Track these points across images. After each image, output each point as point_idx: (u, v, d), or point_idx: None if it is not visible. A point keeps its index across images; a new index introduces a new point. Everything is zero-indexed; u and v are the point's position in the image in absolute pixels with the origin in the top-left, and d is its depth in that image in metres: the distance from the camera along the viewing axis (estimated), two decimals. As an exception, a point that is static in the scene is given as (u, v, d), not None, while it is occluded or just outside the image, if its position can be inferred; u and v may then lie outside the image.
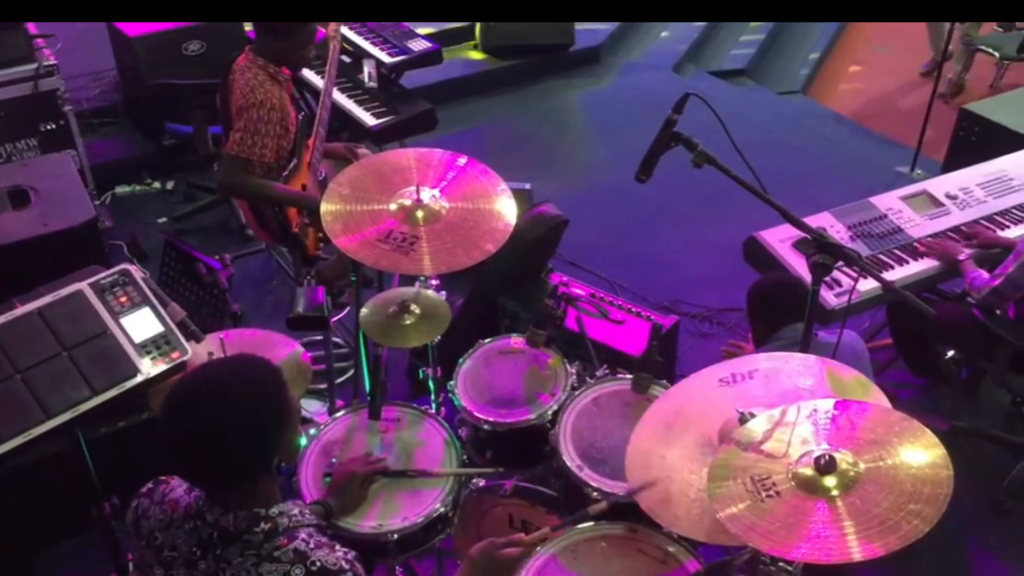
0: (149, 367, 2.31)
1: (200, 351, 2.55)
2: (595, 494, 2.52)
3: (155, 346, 2.34)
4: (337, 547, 1.76)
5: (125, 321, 2.35)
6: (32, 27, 4.98)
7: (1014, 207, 4.02)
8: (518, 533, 2.13)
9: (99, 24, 5.73)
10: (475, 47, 7.15)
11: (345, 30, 5.18)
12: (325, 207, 2.74)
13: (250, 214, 3.91)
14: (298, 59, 3.74)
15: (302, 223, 3.68)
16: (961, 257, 3.69)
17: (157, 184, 5.64)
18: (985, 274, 3.56)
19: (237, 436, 1.72)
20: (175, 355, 2.35)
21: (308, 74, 5.17)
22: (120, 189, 5.58)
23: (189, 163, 5.54)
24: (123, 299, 2.38)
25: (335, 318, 4.04)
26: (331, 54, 3.98)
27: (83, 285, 2.37)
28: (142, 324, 2.36)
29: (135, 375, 2.29)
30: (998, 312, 3.60)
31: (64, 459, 2.52)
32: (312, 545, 1.74)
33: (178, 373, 2.36)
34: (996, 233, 3.86)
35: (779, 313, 3.18)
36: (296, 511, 1.80)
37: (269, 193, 3.63)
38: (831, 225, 3.78)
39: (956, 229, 3.88)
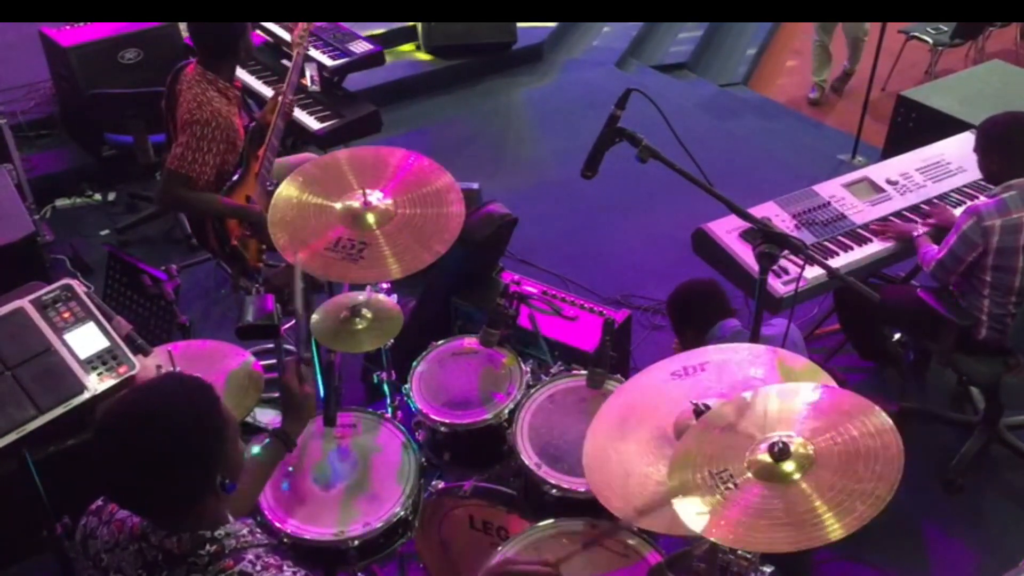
0: (96, 383, 2.27)
1: (148, 364, 2.50)
2: (554, 491, 2.53)
3: (101, 361, 2.30)
4: (285, 568, 1.72)
5: (69, 337, 2.30)
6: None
7: (952, 191, 4.10)
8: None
9: (31, 34, 5.60)
10: (417, 48, 7.12)
11: (285, 34, 5.12)
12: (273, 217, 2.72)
13: (193, 224, 3.85)
14: (245, 56, 3.71)
15: (242, 235, 3.63)
16: (916, 233, 3.76)
17: (98, 196, 5.54)
18: (935, 248, 3.63)
19: (172, 463, 1.65)
20: (122, 370, 2.31)
21: (256, 83, 5.12)
22: (60, 202, 5.47)
23: (130, 173, 5.45)
24: (66, 315, 2.33)
25: (286, 325, 3.99)
26: (295, 59, 3.88)
27: (24, 302, 2.32)
28: (87, 340, 2.32)
29: (82, 392, 2.25)
30: (944, 293, 3.66)
31: (12, 480, 2.47)
32: (259, 567, 1.70)
33: (126, 388, 2.33)
34: (951, 211, 3.92)
35: (705, 315, 3.23)
36: (244, 531, 1.76)
37: (209, 207, 3.58)
38: (776, 214, 3.83)
39: (898, 214, 3.95)
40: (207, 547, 1.71)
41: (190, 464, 1.68)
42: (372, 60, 5.10)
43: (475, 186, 4.73)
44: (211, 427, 1.72)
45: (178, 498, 1.71)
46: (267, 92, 4.96)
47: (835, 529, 1.82)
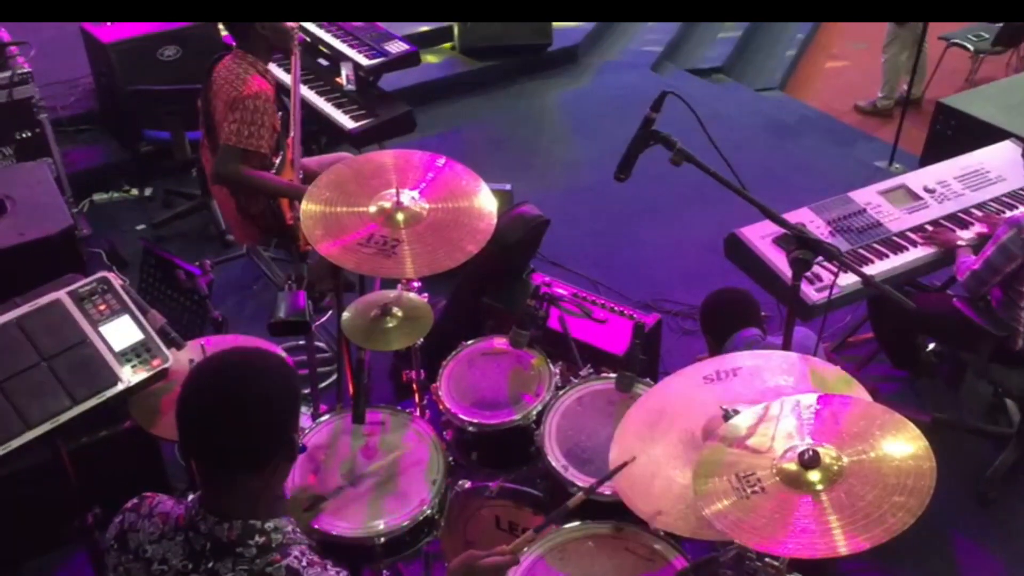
0: (130, 375, 2.29)
1: (181, 358, 2.53)
2: (580, 493, 2.52)
3: (135, 354, 2.32)
4: (329, 566, 1.74)
5: (104, 329, 2.33)
6: (5, 35, 4.94)
7: (991, 200, 4.04)
8: (500, 545, 2.10)
9: (73, 31, 5.69)
10: (453, 48, 7.14)
11: (322, 33, 5.18)
12: (305, 206, 2.74)
13: (236, 214, 3.87)
14: (274, 35, 3.72)
15: (296, 216, 3.67)
16: (961, 243, 3.71)
17: (135, 191, 5.61)
18: (972, 259, 3.59)
19: (260, 414, 1.71)
20: (156, 363, 2.33)
21: (279, 72, 5.15)
22: (98, 197, 5.55)
23: (167, 169, 5.51)
24: (102, 307, 2.36)
25: (317, 322, 4.02)
26: (293, 58, 3.96)
27: (61, 294, 2.35)
28: (122, 332, 2.34)
29: (116, 383, 2.27)
30: (980, 303, 3.61)
31: (45, 470, 2.50)
32: (305, 563, 1.72)
33: (159, 380, 2.35)
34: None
35: (728, 324, 3.21)
36: (290, 528, 1.78)
37: (265, 184, 3.62)
38: (811, 220, 3.79)
39: (935, 222, 3.89)
40: (256, 538, 1.72)
41: (277, 412, 1.74)
42: (407, 60, 5.12)
43: (508, 187, 4.73)
44: (294, 385, 1.81)
45: (251, 454, 1.72)
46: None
47: (862, 540, 1.80)
